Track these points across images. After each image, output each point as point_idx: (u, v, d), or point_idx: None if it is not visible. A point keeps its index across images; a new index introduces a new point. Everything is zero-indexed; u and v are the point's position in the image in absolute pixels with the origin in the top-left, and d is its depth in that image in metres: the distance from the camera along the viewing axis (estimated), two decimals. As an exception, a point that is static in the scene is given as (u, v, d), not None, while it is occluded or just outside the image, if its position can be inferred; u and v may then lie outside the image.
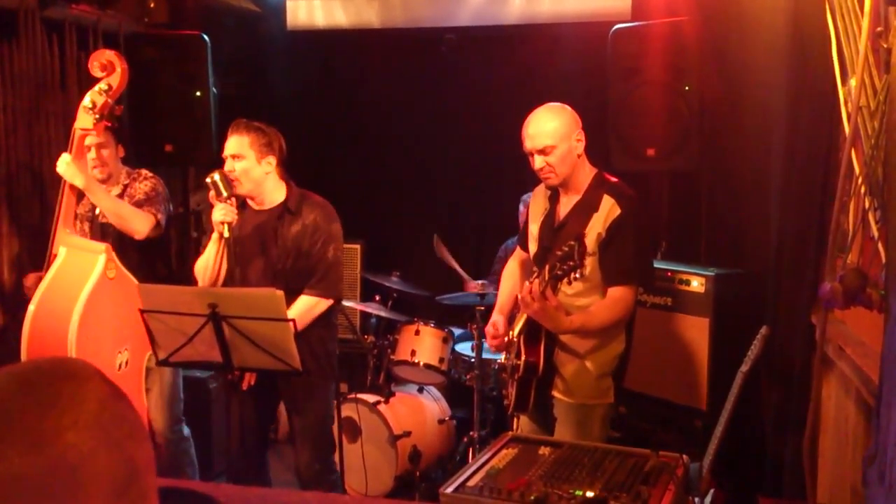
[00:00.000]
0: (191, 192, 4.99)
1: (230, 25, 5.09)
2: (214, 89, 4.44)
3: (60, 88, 4.18)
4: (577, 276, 2.51)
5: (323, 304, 3.11)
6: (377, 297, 4.61)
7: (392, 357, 4.18)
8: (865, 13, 2.06)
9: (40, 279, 3.16)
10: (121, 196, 3.39)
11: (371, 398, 4.11)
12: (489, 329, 3.03)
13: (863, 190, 2.19)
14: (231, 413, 3.28)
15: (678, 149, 3.96)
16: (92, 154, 3.33)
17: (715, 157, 4.06)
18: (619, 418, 3.47)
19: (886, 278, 1.91)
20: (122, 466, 0.76)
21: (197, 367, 3.41)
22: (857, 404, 2.40)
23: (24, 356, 3.00)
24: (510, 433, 2.61)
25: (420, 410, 4.26)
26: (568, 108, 2.84)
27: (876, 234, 2.08)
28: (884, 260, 1.99)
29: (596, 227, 2.73)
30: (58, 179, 3.26)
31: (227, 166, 3.05)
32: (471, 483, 2.15)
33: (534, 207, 3.04)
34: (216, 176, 2.96)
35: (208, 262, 3.07)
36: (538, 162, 2.78)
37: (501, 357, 3.15)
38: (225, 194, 2.95)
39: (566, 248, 2.46)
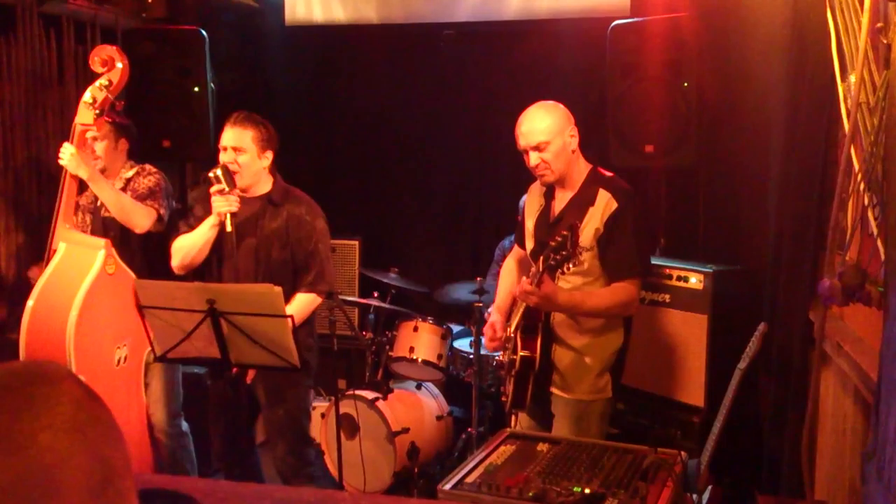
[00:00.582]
0: (188, 187, 4.98)
1: (228, 20, 5.08)
2: (212, 84, 4.43)
3: (58, 83, 4.18)
4: (571, 265, 2.51)
5: (319, 300, 3.15)
6: (375, 294, 4.60)
7: (390, 353, 4.18)
8: (865, 9, 2.05)
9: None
10: (123, 190, 3.39)
11: (369, 395, 4.11)
12: (487, 330, 3.03)
13: (862, 187, 2.18)
14: (224, 410, 3.28)
15: (677, 145, 3.96)
16: (87, 145, 3.32)
17: (713, 153, 4.06)
18: (618, 415, 3.48)
19: (885, 275, 1.91)
20: (98, 468, 0.76)
21: (195, 363, 3.40)
22: (855, 401, 2.40)
23: (22, 351, 3.00)
24: (508, 430, 2.62)
25: (418, 407, 4.26)
26: (560, 104, 2.85)
27: (875, 230, 2.08)
28: (883, 257, 1.98)
29: (593, 223, 2.73)
30: (57, 174, 3.26)
31: (226, 157, 3.05)
32: (469, 479, 2.16)
33: (529, 204, 3.04)
34: (219, 171, 2.98)
35: (195, 244, 3.07)
36: (533, 159, 2.79)
37: (500, 354, 3.15)
38: (228, 188, 2.97)
39: (559, 239, 2.47)
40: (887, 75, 1.94)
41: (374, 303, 4.43)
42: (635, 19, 4.19)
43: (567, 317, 2.83)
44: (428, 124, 5.19)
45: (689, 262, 3.62)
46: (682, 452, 2.34)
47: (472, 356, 3.97)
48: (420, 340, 4.11)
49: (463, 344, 4.29)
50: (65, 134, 3.28)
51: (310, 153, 5.29)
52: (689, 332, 3.51)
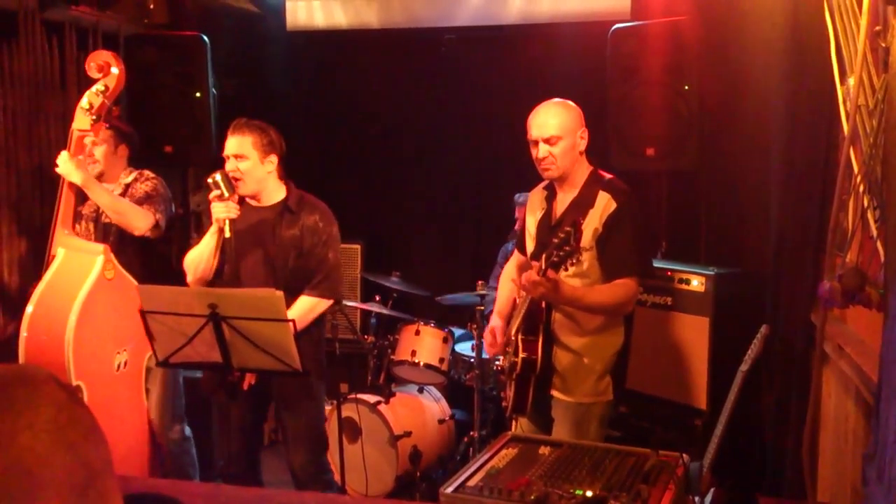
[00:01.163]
0: (190, 192, 5.00)
1: (230, 26, 5.09)
2: (214, 90, 4.45)
3: (60, 89, 4.18)
4: (574, 261, 2.52)
5: (323, 304, 3.12)
6: (377, 298, 4.61)
7: (392, 357, 4.18)
8: (864, 12, 2.06)
9: None
10: (122, 195, 3.40)
11: (371, 398, 4.11)
12: (487, 335, 3.04)
13: (861, 189, 2.19)
14: (225, 415, 3.28)
15: (677, 148, 3.96)
16: (86, 150, 3.33)
17: (714, 156, 4.06)
18: (620, 417, 3.48)
19: (885, 277, 1.91)
20: (79, 469, 0.77)
21: (197, 368, 3.41)
22: (856, 403, 2.40)
23: (21, 357, 3.01)
24: (510, 433, 2.62)
25: (420, 410, 4.26)
26: (576, 105, 2.88)
27: (875, 232, 2.08)
28: (883, 259, 1.99)
29: (592, 223, 2.74)
30: (58, 180, 3.27)
31: (229, 166, 3.04)
32: (471, 483, 2.15)
33: (531, 207, 3.05)
34: (217, 176, 2.95)
35: (202, 255, 3.06)
36: (542, 151, 2.80)
37: (501, 359, 3.15)
38: (227, 194, 2.96)
39: (562, 235, 2.47)
40: (886, 78, 1.94)
41: (376, 308, 4.44)
42: (636, 23, 4.20)
43: (567, 318, 2.83)
44: (429, 128, 5.20)
45: (690, 265, 3.63)
46: (684, 455, 2.34)
47: (473, 360, 3.98)
48: (422, 344, 4.11)
49: (465, 348, 4.29)
50: (66, 140, 3.29)
51: (312, 158, 5.29)
52: (691, 335, 3.51)
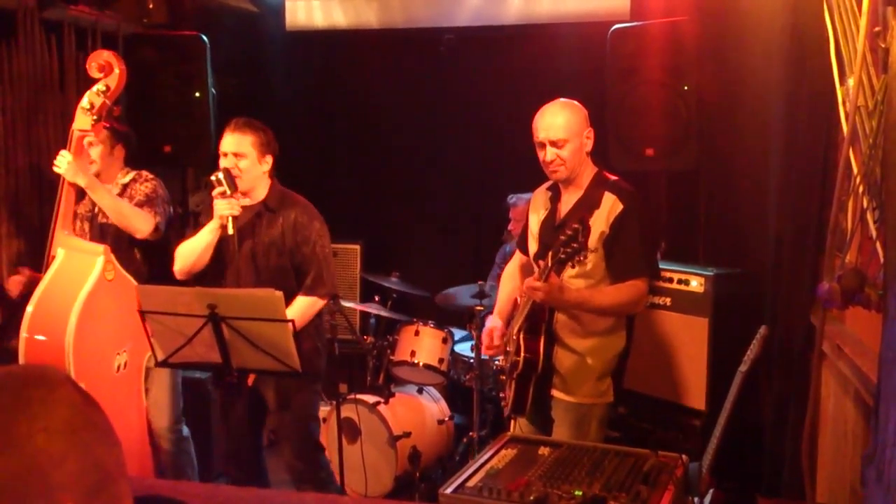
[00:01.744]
0: (190, 192, 4.99)
1: (229, 26, 5.09)
2: (213, 90, 4.44)
3: (59, 89, 4.18)
4: (581, 258, 2.52)
5: (320, 302, 3.14)
6: (377, 298, 4.60)
7: (392, 357, 4.18)
8: (863, 13, 2.06)
9: (29, 279, 3.16)
10: (120, 195, 3.39)
11: (371, 399, 4.11)
12: (484, 336, 3.03)
13: (861, 189, 2.18)
14: (225, 415, 3.28)
15: (677, 149, 3.96)
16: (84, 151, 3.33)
17: (713, 156, 4.07)
18: (619, 418, 3.48)
19: (885, 278, 1.91)
20: (93, 471, 0.77)
21: (196, 368, 3.40)
22: (855, 404, 2.40)
23: (21, 358, 3.00)
24: (509, 433, 2.62)
25: (419, 411, 4.26)
26: (581, 106, 2.88)
27: (874, 233, 2.08)
28: (882, 260, 1.99)
29: (599, 225, 2.73)
30: (57, 180, 3.26)
31: (227, 163, 3.05)
32: (470, 483, 2.15)
33: (534, 207, 3.05)
34: (220, 174, 2.98)
35: (195, 249, 3.07)
36: (549, 154, 2.80)
37: (500, 359, 3.14)
38: (230, 191, 2.97)
39: (570, 232, 2.47)
40: (885, 79, 1.94)
41: (375, 309, 4.43)
42: (635, 23, 4.20)
43: (570, 319, 2.83)
44: (429, 129, 5.20)
45: (689, 266, 3.63)
46: (684, 456, 2.34)
47: (473, 360, 3.98)
48: (421, 344, 4.11)
49: (464, 348, 4.29)
50: (66, 140, 3.28)
51: (311, 158, 5.30)
52: (690, 336, 3.51)
